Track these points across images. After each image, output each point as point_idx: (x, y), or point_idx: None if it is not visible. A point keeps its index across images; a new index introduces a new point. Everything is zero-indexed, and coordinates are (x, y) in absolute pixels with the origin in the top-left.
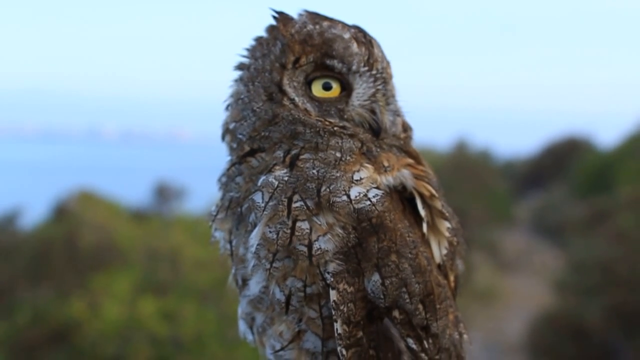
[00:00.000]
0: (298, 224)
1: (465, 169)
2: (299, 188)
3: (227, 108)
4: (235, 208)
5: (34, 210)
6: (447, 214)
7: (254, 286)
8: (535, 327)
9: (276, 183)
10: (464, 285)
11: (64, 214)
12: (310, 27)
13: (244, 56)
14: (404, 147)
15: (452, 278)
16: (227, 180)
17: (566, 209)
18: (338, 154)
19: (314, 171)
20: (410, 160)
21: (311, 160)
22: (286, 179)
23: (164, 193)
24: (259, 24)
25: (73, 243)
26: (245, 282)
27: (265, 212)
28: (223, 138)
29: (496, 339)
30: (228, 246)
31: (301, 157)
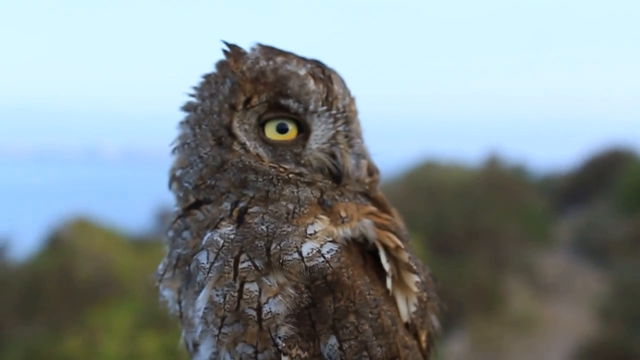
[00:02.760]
0: (246, 285)
1: (498, 185)
2: (246, 247)
3: (173, 152)
4: (182, 266)
5: (26, 238)
6: (415, 267)
7: (204, 352)
8: (577, 359)
9: (221, 242)
10: (438, 344)
11: (58, 243)
12: (263, 63)
13: (191, 95)
14: (369, 193)
15: (423, 337)
16: (174, 235)
17: (610, 227)
18: (290, 206)
19: (263, 227)
20: (372, 209)
21: (260, 215)
22: (232, 236)
23: (166, 218)
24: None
25: (68, 275)
26: (195, 346)
27: (210, 274)
28: (170, 186)
29: None
30: (177, 307)
31: (250, 210)
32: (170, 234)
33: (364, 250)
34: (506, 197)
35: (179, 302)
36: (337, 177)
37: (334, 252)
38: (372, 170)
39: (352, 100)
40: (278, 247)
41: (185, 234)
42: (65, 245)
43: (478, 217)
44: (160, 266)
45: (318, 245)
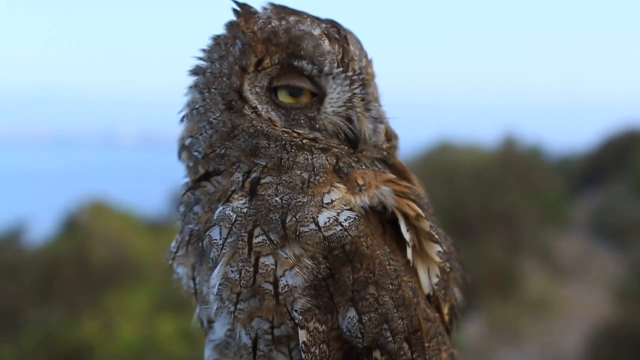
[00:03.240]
0: (261, 259)
1: (515, 167)
2: (260, 220)
3: (182, 120)
4: (195, 243)
5: (43, 222)
6: (437, 236)
7: (219, 329)
8: (594, 340)
9: (234, 216)
10: (462, 317)
11: (74, 226)
12: (275, 22)
13: (199, 58)
14: (387, 159)
15: (445, 310)
16: (185, 210)
17: (627, 209)
18: (305, 175)
19: (277, 199)
20: (391, 176)
21: (274, 186)
22: (245, 210)
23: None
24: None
25: (84, 258)
26: (210, 323)
27: (224, 251)
28: (179, 156)
29: (552, 353)
30: (191, 284)
31: (262, 181)
32: (182, 208)
33: (383, 219)
34: (522, 179)
35: (193, 279)
36: (353, 142)
37: (352, 220)
38: (390, 136)
39: (369, 62)
40: (294, 219)
41: (197, 208)
42: (82, 228)
43: (494, 200)
44: (173, 243)
45: (335, 214)
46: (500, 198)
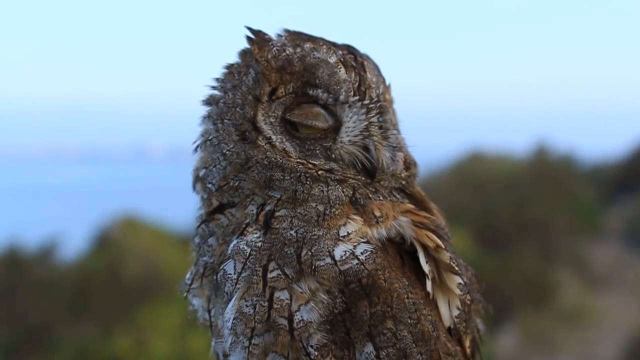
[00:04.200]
0: (276, 294)
1: (547, 176)
2: (275, 254)
3: (195, 150)
4: (210, 275)
5: (76, 237)
6: (457, 268)
7: None
8: (630, 350)
9: (248, 250)
10: (484, 346)
11: (106, 242)
12: (289, 50)
13: (213, 87)
14: (406, 188)
15: (467, 343)
16: (200, 242)
17: None
18: (320, 207)
19: (292, 232)
20: (409, 206)
21: (289, 219)
22: (259, 244)
23: None
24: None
25: (116, 274)
26: (225, 357)
27: (238, 285)
28: (194, 187)
29: None
30: (207, 316)
31: (277, 214)
32: (197, 240)
33: (401, 251)
34: (555, 188)
35: (209, 311)
36: (370, 172)
37: (368, 253)
38: (409, 164)
39: (387, 88)
40: (309, 253)
41: (211, 240)
42: (114, 244)
43: (526, 209)
44: (188, 275)
45: (351, 247)
46: (533, 207)
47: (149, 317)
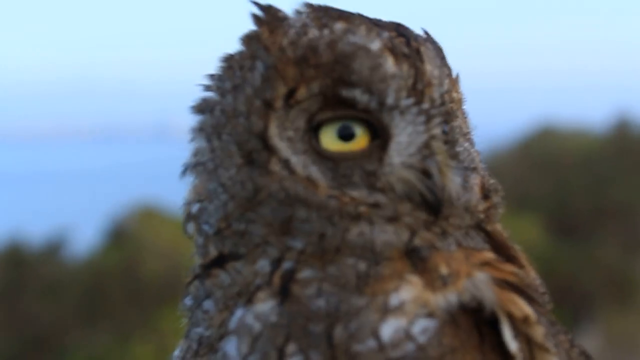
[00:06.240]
0: None
1: (630, 153)
2: (296, 333)
3: (183, 174)
4: (206, 354)
5: (87, 230)
6: (552, 348)
7: None
8: None
9: (258, 326)
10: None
11: (122, 236)
12: (313, 33)
13: (207, 88)
14: (484, 225)
15: None
16: (193, 305)
17: None
18: (362, 265)
19: (321, 302)
20: (489, 256)
21: (316, 282)
22: (274, 318)
23: None
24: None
25: (133, 273)
26: None
27: None
28: (185, 228)
29: None
30: None
31: (299, 275)
32: (188, 302)
33: (478, 321)
34: (639, 168)
35: None
36: (434, 206)
37: (431, 332)
38: (487, 190)
39: (455, 82)
40: (345, 333)
41: (207, 304)
42: (130, 238)
43: (607, 192)
44: (177, 352)
45: (406, 323)
46: (615, 190)
47: (171, 322)
